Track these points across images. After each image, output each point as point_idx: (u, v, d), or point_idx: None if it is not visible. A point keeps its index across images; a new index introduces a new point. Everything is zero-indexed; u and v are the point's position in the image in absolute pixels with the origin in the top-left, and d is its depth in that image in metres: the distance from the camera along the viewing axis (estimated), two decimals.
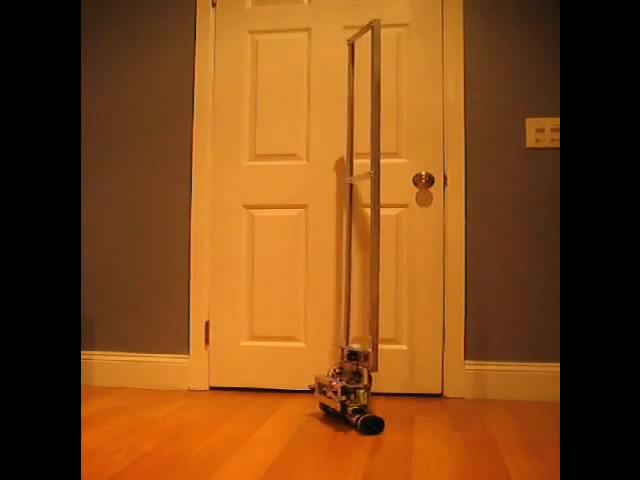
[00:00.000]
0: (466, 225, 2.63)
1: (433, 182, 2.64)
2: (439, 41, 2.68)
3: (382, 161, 2.55)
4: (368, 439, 1.98)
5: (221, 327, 2.76)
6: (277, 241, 2.74)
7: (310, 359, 2.69)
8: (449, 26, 2.66)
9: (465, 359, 2.61)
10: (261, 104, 2.78)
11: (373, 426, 2.04)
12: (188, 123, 2.80)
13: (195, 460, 1.76)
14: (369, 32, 2.44)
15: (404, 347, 2.64)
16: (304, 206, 2.73)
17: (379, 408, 2.38)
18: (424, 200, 2.66)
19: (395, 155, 2.67)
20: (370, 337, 2.15)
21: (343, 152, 2.70)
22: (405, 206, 2.66)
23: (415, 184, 2.65)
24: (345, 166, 2.70)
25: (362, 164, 2.58)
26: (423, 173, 2.64)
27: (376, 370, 2.12)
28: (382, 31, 2.61)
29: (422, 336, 2.64)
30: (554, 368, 2.54)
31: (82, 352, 2.81)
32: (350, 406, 2.10)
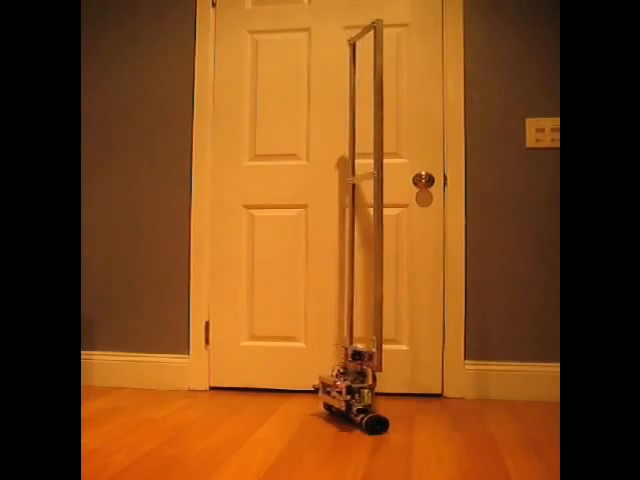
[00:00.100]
0: (466, 225, 2.63)
1: (433, 182, 2.64)
2: (439, 41, 2.68)
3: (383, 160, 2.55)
4: (368, 439, 1.99)
5: (221, 327, 2.76)
6: (277, 241, 2.74)
7: (310, 359, 2.69)
8: (449, 26, 2.66)
9: (465, 359, 2.61)
10: (261, 104, 2.78)
11: (378, 426, 2.05)
12: (188, 123, 2.80)
13: (195, 460, 1.76)
14: (370, 32, 2.44)
15: (404, 347, 2.64)
16: (304, 206, 2.73)
17: (380, 408, 2.38)
18: (424, 200, 2.66)
19: (395, 155, 2.67)
20: (374, 337, 2.15)
21: (343, 152, 2.70)
22: (405, 206, 2.66)
23: (415, 184, 2.65)
24: (345, 166, 2.70)
25: (362, 164, 2.59)
26: (423, 173, 2.64)
27: (380, 370, 2.12)
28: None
29: (422, 336, 2.64)
30: (554, 368, 2.54)
31: (82, 352, 2.81)
32: (355, 406, 2.10)
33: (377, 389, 2.52)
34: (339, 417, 2.24)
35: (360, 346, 2.43)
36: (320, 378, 2.29)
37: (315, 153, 2.73)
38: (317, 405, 2.43)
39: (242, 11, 2.81)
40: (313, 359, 2.69)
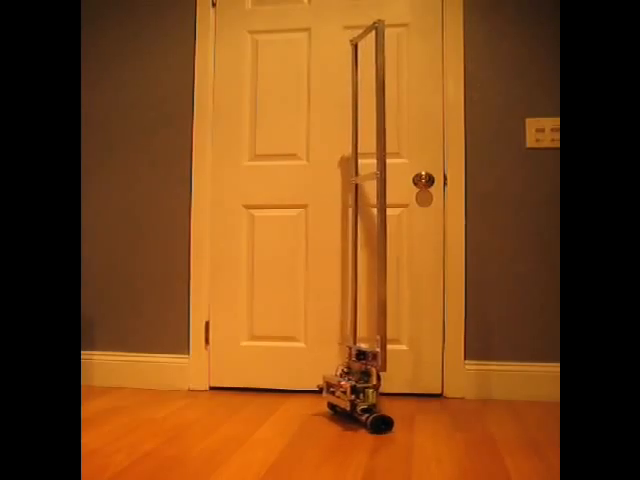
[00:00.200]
0: (466, 225, 2.63)
1: (433, 182, 2.64)
2: (439, 41, 2.68)
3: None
4: (368, 439, 1.99)
5: (221, 327, 2.76)
6: (277, 241, 2.74)
7: (310, 359, 2.69)
8: (449, 26, 2.66)
9: (465, 359, 2.61)
10: (261, 104, 2.78)
11: (383, 425, 2.06)
12: (188, 123, 2.80)
13: (195, 460, 1.76)
14: (372, 32, 2.44)
15: (404, 347, 2.64)
16: (304, 206, 2.73)
17: (381, 408, 2.38)
18: (424, 200, 2.66)
19: (395, 155, 2.67)
20: (378, 337, 2.16)
21: (343, 152, 2.70)
22: (405, 206, 2.66)
23: (415, 184, 2.65)
24: (345, 166, 2.70)
25: (363, 164, 2.59)
26: (423, 173, 2.64)
27: (384, 370, 2.13)
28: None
29: (422, 336, 2.64)
30: (554, 368, 2.54)
31: (82, 352, 2.81)
32: (359, 405, 2.10)
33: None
34: (343, 417, 2.25)
35: (364, 346, 2.43)
36: (324, 378, 2.29)
37: (315, 153, 2.73)
38: (318, 405, 2.43)
39: (242, 11, 2.81)
40: (313, 359, 2.69)
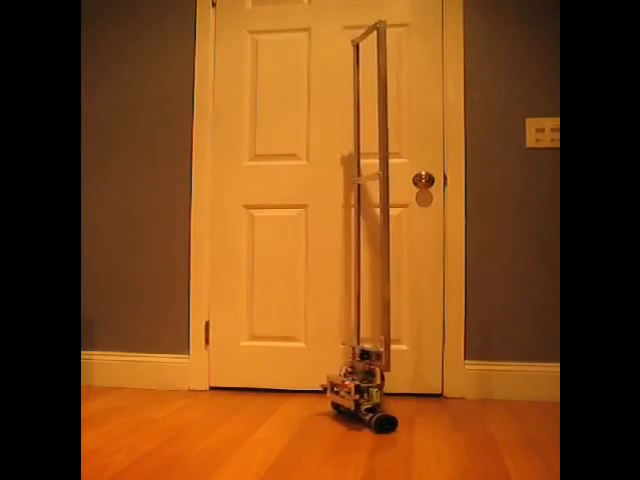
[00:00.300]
0: (466, 225, 2.63)
1: (433, 182, 2.64)
2: (439, 41, 2.68)
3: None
4: (369, 439, 1.99)
5: (221, 327, 2.76)
6: (277, 241, 2.74)
7: (310, 359, 2.69)
8: (449, 26, 2.66)
9: (465, 359, 2.61)
10: (261, 104, 2.78)
11: (387, 425, 2.06)
12: (188, 123, 2.80)
13: (195, 460, 1.76)
14: (373, 33, 2.44)
15: (404, 347, 2.64)
16: (304, 206, 2.73)
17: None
18: (424, 200, 2.66)
19: (395, 155, 2.66)
20: (382, 336, 2.16)
21: (343, 152, 2.70)
22: (405, 206, 2.66)
23: (415, 184, 2.65)
24: (345, 166, 2.70)
25: (365, 164, 2.59)
26: (423, 173, 2.64)
27: (388, 369, 2.13)
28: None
29: (422, 336, 2.64)
30: (554, 368, 2.54)
31: (82, 352, 2.81)
32: (363, 405, 2.11)
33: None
34: (347, 416, 2.25)
35: (368, 345, 2.43)
36: (328, 377, 2.30)
37: (315, 153, 2.73)
38: (318, 405, 2.43)
39: (242, 11, 2.81)
40: (313, 359, 2.69)
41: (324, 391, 2.32)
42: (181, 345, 2.77)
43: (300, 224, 2.73)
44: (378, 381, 2.16)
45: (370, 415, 2.08)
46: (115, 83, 2.87)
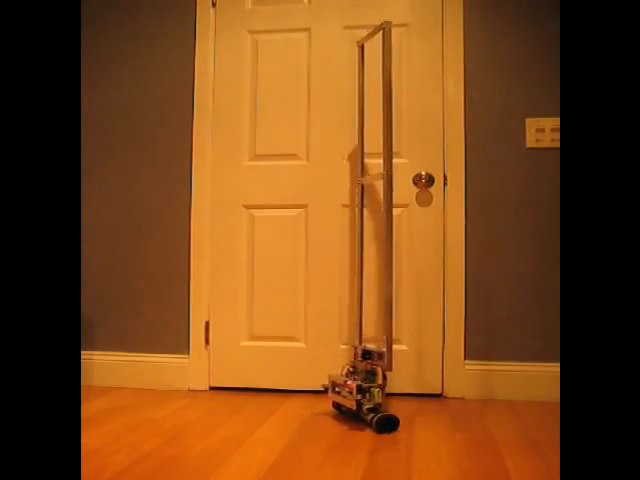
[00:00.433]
0: (466, 225, 2.63)
1: (433, 182, 2.64)
2: (439, 41, 2.68)
3: (381, 161, 2.56)
4: (369, 438, 1.99)
5: (221, 327, 2.76)
6: (277, 241, 2.74)
7: (310, 359, 2.69)
8: (449, 26, 2.66)
9: (465, 359, 2.61)
10: (261, 104, 2.78)
11: (389, 425, 2.06)
12: (188, 123, 2.80)
13: (195, 460, 1.76)
14: (377, 33, 2.44)
15: (404, 347, 2.64)
16: (304, 206, 2.73)
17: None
18: (424, 200, 2.66)
19: (395, 155, 2.66)
20: (384, 336, 2.16)
21: (343, 152, 2.70)
22: (405, 206, 2.66)
23: (415, 184, 2.65)
24: (346, 166, 2.70)
25: (366, 163, 2.59)
26: (423, 173, 2.64)
27: (390, 369, 2.14)
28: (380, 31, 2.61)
29: (422, 336, 2.64)
30: (554, 368, 2.54)
31: (82, 352, 2.81)
32: (365, 405, 2.11)
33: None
34: (348, 416, 2.25)
35: (370, 345, 2.44)
36: (330, 377, 2.30)
37: (315, 153, 2.73)
38: (318, 405, 2.43)
39: (242, 11, 2.81)
40: (313, 359, 2.69)
41: (325, 391, 2.32)
42: (181, 345, 2.77)
43: (300, 224, 2.73)
44: (380, 381, 2.16)
45: (372, 415, 2.08)
46: (115, 83, 2.87)
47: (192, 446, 1.90)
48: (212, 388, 2.76)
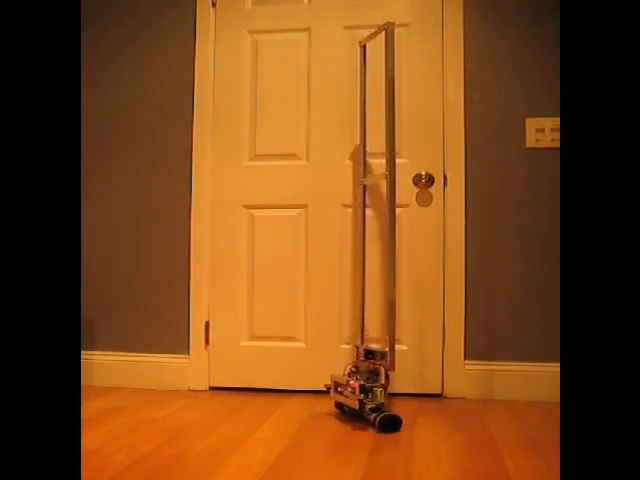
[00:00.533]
0: (466, 225, 2.63)
1: (433, 182, 2.64)
2: (439, 41, 2.68)
3: (382, 161, 2.56)
4: (369, 438, 1.99)
5: (221, 327, 2.76)
6: (277, 241, 2.74)
7: (310, 359, 2.69)
8: (449, 26, 2.66)
9: (465, 359, 2.61)
10: (261, 104, 2.78)
11: (391, 424, 2.06)
12: (188, 123, 2.80)
13: (195, 460, 1.76)
14: (380, 34, 2.44)
15: (404, 347, 2.64)
16: (304, 206, 2.73)
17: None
18: (424, 200, 2.66)
19: (396, 155, 2.66)
20: (387, 336, 2.17)
21: (344, 152, 2.70)
22: (405, 206, 2.65)
23: (415, 184, 2.65)
24: (346, 166, 2.70)
25: (367, 163, 2.59)
26: (423, 173, 2.64)
27: (393, 369, 2.14)
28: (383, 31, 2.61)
29: (422, 336, 2.64)
30: (554, 368, 2.54)
31: (82, 352, 2.81)
32: (368, 404, 2.11)
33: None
34: (351, 416, 2.25)
35: (374, 345, 2.44)
36: (332, 377, 2.30)
37: (315, 153, 2.73)
38: (318, 405, 2.43)
39: (242, 11, 2.81)
40: (313, 359, 2.69)
41: (327, 391, 2.33)
42: (181, 345, 2.77)
43: (300, 224, 2.73)
44: (382, 381, 2.17)
45: (375, 415, 2.08)
46: (115, 83, 2.87)
47: (192, 446, 1.90)
48: (212, 388, 2.76)
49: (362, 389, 2.11)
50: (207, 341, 2.76)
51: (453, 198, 2.63)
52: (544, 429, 2.11)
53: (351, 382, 2.15)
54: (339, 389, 2.24)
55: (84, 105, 2.87)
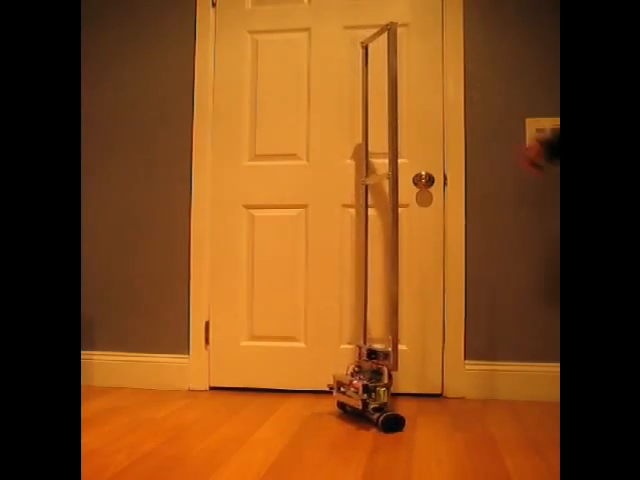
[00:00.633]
0: (466, 225, 2.63)
1: (433, 182, 2.64)
2: (439, 41, 2.68)
3: (383, 161, 2.56)
4: (369, 438, 1.99)
5: (221, 327, 2.76)
6: (277, 241, 2.74)
7: (310, 359, 2.69)
8: (449, 26, 2.66)
9: (465, 359, 2.61)
10: (261, 104, 2.78)
11: (394, 424, 2.07)
12: (188, 123, 2.80)
13: (195, 460, 1.76)
14: (382, 34, 2.44)
15: (404, 347, 2.64)
16: (304, 206, 2.73)
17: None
18: (424, 200, 2.66)
19: None
20: (390, 336, 2.17)
21: (344, 152, 2.70)
22: (405, 206, 2.65)
23: (415, 184, 2.65)
24: (346, 165, 2.70)
25: (368, 163, 2.59)
26: (423, 173, 2.64)
27: (396, 369, 2.14)
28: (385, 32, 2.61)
29: (422, 336, 2.64)
30: (554, 368, 2.54)
31: (82, 352, 2.81)
32: (371, 404, 2.11)
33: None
34: (353, 416, 2.25)
35: (377, 345, 2.44)
36: (335, 377, 2.30)
37: (315, 153, 2.73)
38: (318, 405, 2.43)
39: (242, 11, 2.81)
40: (313, 359, 2.69)
41: (328, 391, 2.33)
42: (181, 345, 2.77)
43: (300, 224, 2.73)
44: (385, 380, 2.17)
45: (378, 414, 2.08)
46: (115, 83, 2.87)
47: (192, 446, 1.90)
48: (212, 388, 2.76)
49: (365, 389, 2.11)
50: (207, 341, 2.76)
51: (453, 198, 2.63)
52: (544, 429, 2.11)
53: (354, 382, 2.15)
54: (342, 389, 2.24)
55: (84, 105, 2.87)
